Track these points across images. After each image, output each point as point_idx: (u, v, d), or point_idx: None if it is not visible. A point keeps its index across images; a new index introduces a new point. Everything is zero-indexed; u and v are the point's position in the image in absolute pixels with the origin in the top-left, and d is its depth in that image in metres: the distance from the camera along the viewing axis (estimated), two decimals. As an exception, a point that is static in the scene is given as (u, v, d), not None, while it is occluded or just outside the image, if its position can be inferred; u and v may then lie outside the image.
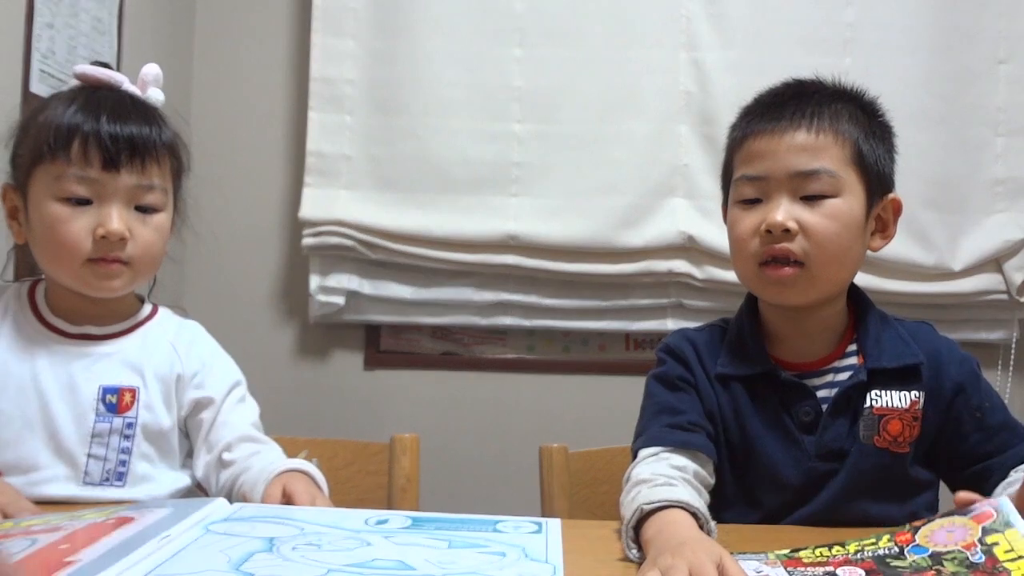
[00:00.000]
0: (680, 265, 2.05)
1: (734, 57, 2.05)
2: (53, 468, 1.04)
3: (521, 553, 0.74)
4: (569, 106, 2.06)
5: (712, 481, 1.05)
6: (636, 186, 2.06)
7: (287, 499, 0.95)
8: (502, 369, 2.15)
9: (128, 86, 1.14)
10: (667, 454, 1.02)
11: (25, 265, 1.33)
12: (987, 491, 0.99)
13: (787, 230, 1.01)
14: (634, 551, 0.84)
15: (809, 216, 1.02)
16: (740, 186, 1.07)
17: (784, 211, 1.02)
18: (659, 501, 0.87)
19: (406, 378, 2.15)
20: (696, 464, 1.02)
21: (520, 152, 2.07)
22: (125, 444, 1.07)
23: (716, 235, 2.01)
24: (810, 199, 1.03)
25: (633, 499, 0.91)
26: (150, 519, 0.81)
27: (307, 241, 2.03)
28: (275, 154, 2.16)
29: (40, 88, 1.47)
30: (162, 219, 1.11)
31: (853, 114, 1.06)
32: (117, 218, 1.05)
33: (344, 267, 2.06)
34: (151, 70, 1.16)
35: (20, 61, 1.43)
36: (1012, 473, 1.00)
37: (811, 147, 1.03)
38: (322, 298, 2.05)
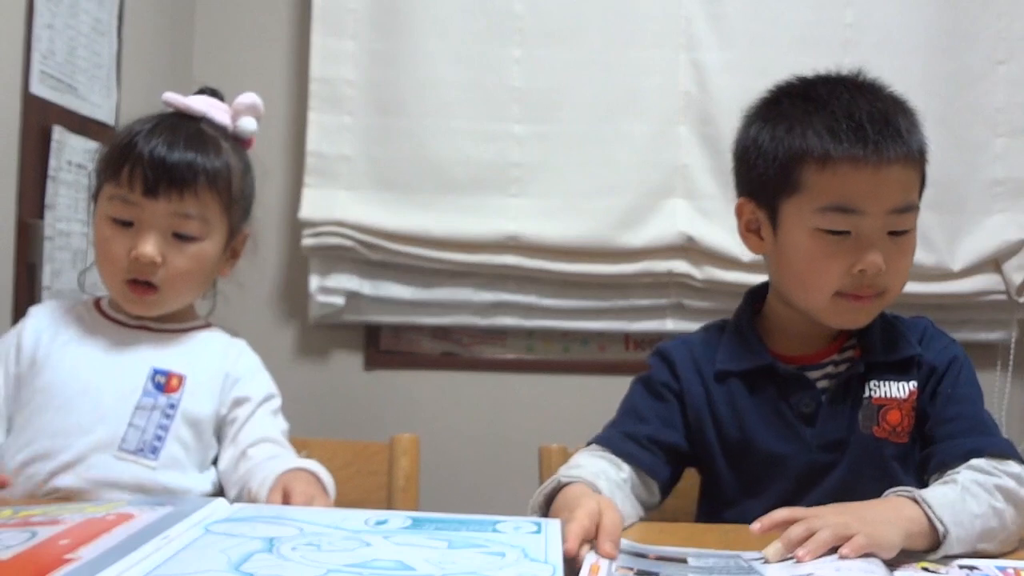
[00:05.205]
0: (679, 266, 2.05)
1: (734, 57, 2.05)
2: (94, 433, 1.09)
3: (521, 553, 0.74)
4: (569, 106, 2.07)
5: (653, 500, 1.08)
6: (636, 186, 2.06)
7: (286, 499, 0.96)
8: (502, 369, 2.15)
9: (213, 114, 1.18)
10: (613, 458, 1.05)
11: (26, 273, 1.40)
12: (926, 478, 1.00)
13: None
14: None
15: (896, 254, 1.02)
16: (829, 215, 1.01)
17: (882, 253, 1.00)
18: (572, 477, 0.94)
19: (406, 378, 2.15)
20: (638, 480, 1.05)
21: (520, 152, 2.07)
22: (164, 422, 1.13)
23: (716, 236, 2.01)
24: (894, 234, 1.02)
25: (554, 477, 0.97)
26: (150, 517, 0.81)
27: (307, 241, 2.03)
28: (275, 154, 2.15)
29: (40, 89, 1.47)
30: (201, 248, 1.15)
31: (919, 130, 1.05)
32: (151, 243, 1.10)
33: (344, 267, 2.07)
34: (245, 99, 1.21)
35: (20, 62, 1.44)
36: (950, 473, 0.97)
37: (905, 181, 1.02)
38: (322, 298, 2.05)
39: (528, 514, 0.95)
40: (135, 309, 1.16)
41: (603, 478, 0.99)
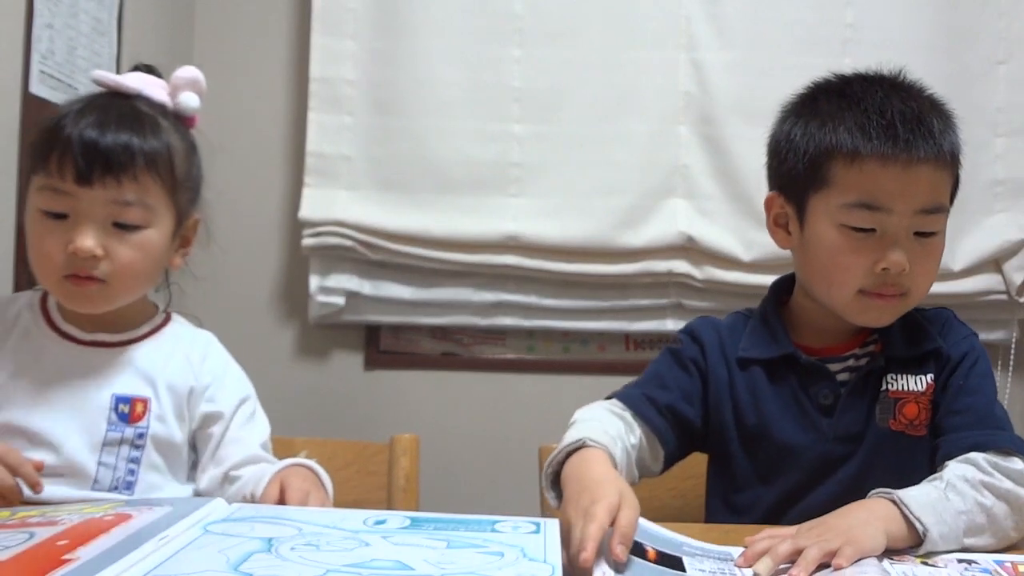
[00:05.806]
0: (679, 265, 2.04)
1: (734, 57, 2.05)
2: (63, 477, 1.02)
3: (520, 553, 0.75)
4: (569, 106, 2.06)
5: (655, 469, 1.10)
6: (636, 186, 2.06)
7: (282, 493, 0.96)
8: (502, 369, 2.15)
9: (149, 92, 1.09)
10: (629, 419, 1.07)
11: (26, 275, 1.34)
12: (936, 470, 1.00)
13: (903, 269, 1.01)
14: (552, 496, 0.93)
15: (921, 255, 1.03)
16: (855, 211, 1.01)
17: (906, 252, 1.01)
18: (595, 442, 0.94)
19: (406, 378, 2.15)
20: (647, 444, 1.07)
21: (520, 152, 2.06)
22: (135, 454, 1.06)
23: (716, 236, 2.01)
24: (921, 235, 1.03)
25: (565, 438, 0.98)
26: (149, 517, 0.81)
27: (307, 242, 2.03)
28: (275, 154, 2.16)
29: (39, 89, 1.47)
30: (147, 236, 1.05)
31: (954, 132, 1.04)
32: (89, 235, 1.00)
33: (344, 267, 2.06)
34: (184, 73, 1.12)
35: (19, 62, 1.43)
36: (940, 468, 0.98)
37: (935, 181, 1.02)
38: (322, 298, 2.05)
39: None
40: (78, 307, 1.05)
41: (619, 444, 1.00)
